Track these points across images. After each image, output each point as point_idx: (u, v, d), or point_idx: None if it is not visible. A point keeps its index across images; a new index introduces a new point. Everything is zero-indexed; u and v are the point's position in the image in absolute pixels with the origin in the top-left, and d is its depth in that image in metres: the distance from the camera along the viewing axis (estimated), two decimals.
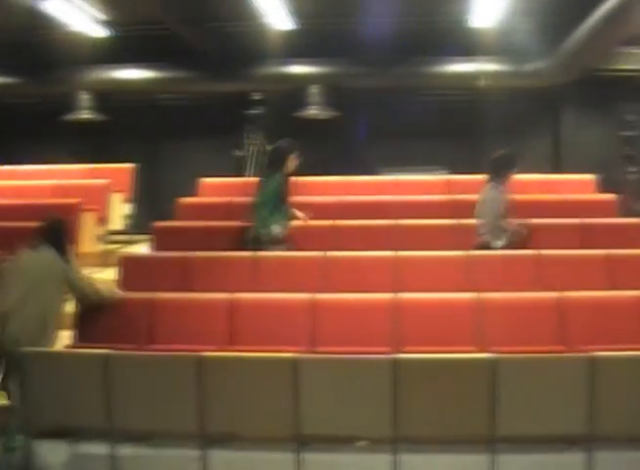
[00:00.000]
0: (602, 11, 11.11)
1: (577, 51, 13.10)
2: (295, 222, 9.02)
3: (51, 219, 7.52)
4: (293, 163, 9.00)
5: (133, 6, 12.55)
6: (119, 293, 7.92)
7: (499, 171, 8.79)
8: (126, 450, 6.01)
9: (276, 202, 8.77)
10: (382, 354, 5.98)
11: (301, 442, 5.82)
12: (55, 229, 7.38)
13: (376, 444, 6.01)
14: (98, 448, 6.01)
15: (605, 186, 11.63)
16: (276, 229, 8.67)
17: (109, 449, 5.93)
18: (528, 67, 15.00)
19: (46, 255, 7.15)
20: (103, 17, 12.98)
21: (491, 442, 5.68)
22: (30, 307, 6.82)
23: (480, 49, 14.57)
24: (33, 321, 6.79)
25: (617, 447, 5.90)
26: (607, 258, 8.24)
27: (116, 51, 14.63)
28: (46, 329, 6.91)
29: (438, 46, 14.59)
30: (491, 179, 8.82)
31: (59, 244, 7.24)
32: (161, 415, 5.93)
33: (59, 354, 6.56)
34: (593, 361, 5.64)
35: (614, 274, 8.08)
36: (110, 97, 16.11)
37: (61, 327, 7.26)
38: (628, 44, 13.79)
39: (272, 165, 8.99)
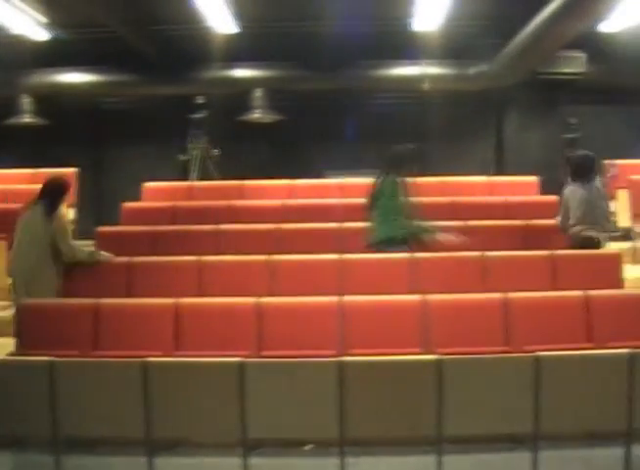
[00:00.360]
0: (544, 15, 11.23)
1: (520, 54, 13.23)
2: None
3: (49, 179, 8.38)
4: (410, 169, 8.90)
5: (75, 8, 12.42)
6: (104, 255, 8.39)
7: (585, 172, 9.01)
8: (72, 459, 5.94)
9: (392, 206, 8.68)
10: (328, 357, 5.98)
11: (249, 446, 5.80)
12: (49, 188, 8.22)
13: (323, 447, 6.00)
14: (43, 457, 5.93)
15: (547, 188, 11.76)
16: (381, 235, 8.61)
17: (54, 458, 5.85)
18: (472, 70, 15.13)
19: (37, 212, 8.04)
20: (44, 19, 12.83)
21: (438, 443, 5.70)
22: (24, 261, 7.91)
23: (424, 52, 14.67)
24: (26, 274, 7.89)
25: (563, 446, 5.97)
26: (550, 258, 8.32)
27: (59, 54, 14.49)
28: (36, 282, 7.88)
29: (383, 50, 14.65)
30: (576, 180, 9.02)
31: (50, 202, 8.06)
32: (107, 422, 5.86)
33: (1, 362, 6.47)
34: (538, 361, 5.69)
35: (556, 275, 8.17)
36: (52, 101, 15.93)
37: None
38: (570, 48, 13.97)
39: (388, 169, 8.89)
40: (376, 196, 8.81)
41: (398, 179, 8.71)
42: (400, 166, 8.81)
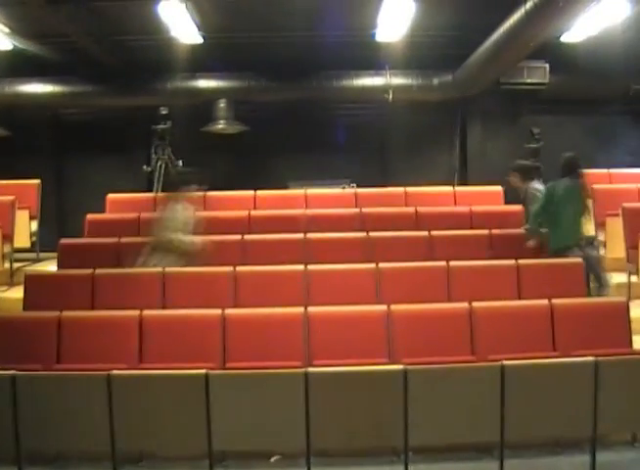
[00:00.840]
0: (506, 25, 11.29)
1: (483, 64, 13.29)
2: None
3: None
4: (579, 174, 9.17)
5: (38, 18, 12.32)
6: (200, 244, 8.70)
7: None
8: None
9: (579, 210, 9.05)
10: (293, 369, 5.96)
11: (214, 458, 5.77)
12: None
13: (289, 458, 5.99)
14: None
15: (511, 197, 11.80)
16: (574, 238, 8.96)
17: None
18: (436, 80, 15.19)
19: None
20: (6, 29, 12.72)
21: (404, 452, 5.70)
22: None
23: (389, 63, 14.71)
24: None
25: (529, 454, 5.99)
26: (515, 268, 8.35)
27: (20, 64, 14.37)
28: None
29: (347, 60, 14.66)
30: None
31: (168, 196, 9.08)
32: (71, 436, 5.81)
33: None
34: (503, 370, 5.71)
35: (521, 284, 8.21)
36: (13, 112, 15.77)
37: None
38: (533, 58, 14.07)
39: (569, 174, 9.08)
40: (558, 200, 9.00)
41: (581, 183, 9.03)
42: (576, 171, 9.08)
